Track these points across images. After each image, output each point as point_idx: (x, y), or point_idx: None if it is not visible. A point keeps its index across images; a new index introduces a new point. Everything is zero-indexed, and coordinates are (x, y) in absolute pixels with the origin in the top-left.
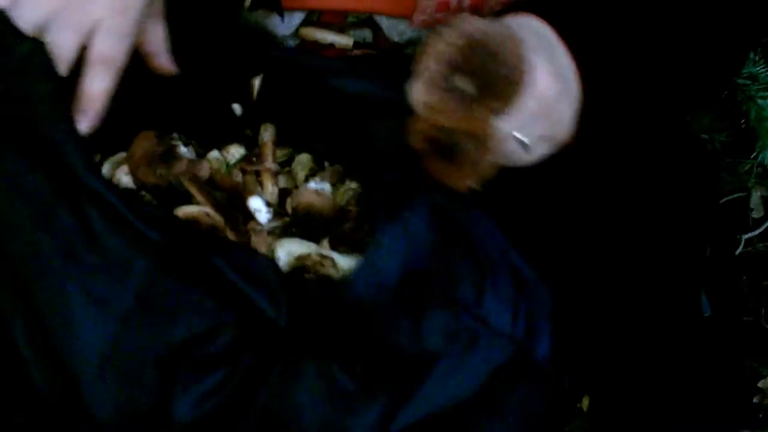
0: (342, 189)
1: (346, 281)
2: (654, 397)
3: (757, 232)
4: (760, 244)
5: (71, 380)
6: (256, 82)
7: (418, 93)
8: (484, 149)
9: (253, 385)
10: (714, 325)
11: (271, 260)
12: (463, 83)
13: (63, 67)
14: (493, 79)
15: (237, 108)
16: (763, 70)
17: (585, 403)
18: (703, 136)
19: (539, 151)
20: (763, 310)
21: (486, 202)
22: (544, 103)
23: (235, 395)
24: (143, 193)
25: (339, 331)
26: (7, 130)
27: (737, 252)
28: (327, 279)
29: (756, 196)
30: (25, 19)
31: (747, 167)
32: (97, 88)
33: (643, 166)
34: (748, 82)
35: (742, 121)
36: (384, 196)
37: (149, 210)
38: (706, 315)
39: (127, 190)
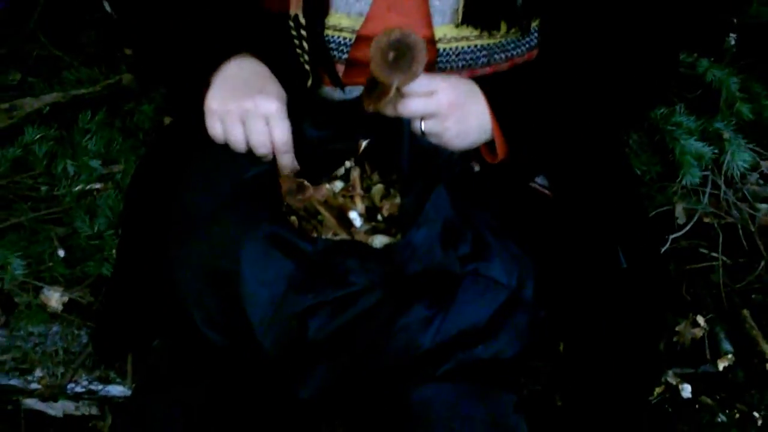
0: None
1: (412, 232)
2: (592, 331)
3: (681, 233)
4: (683, 242)
5: (248, 330)
6: (363, 143)
7: (371, 49)
8: (386, 93)
9: (369, 317)
10: (635, 278)
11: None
12: (390, 53)
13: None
14: (405, 59)
15: (348, 163)
16: (684, 119)
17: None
18: (643, 167)
19: (433, 140)
20: (684, 285)
21: (493, 208)
22: (441, 108)
23: (353, 322)
24: (292, 218)
25: (417, 276)
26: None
27: (665, 248)
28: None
29: (680, 208)
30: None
31: (674, 188)
32: (287, 163)
33: (588, 186)
34: (674, 128)
35: (670, 155)
36: (420, 190)
37: (300, 233)
38: (624, 267)
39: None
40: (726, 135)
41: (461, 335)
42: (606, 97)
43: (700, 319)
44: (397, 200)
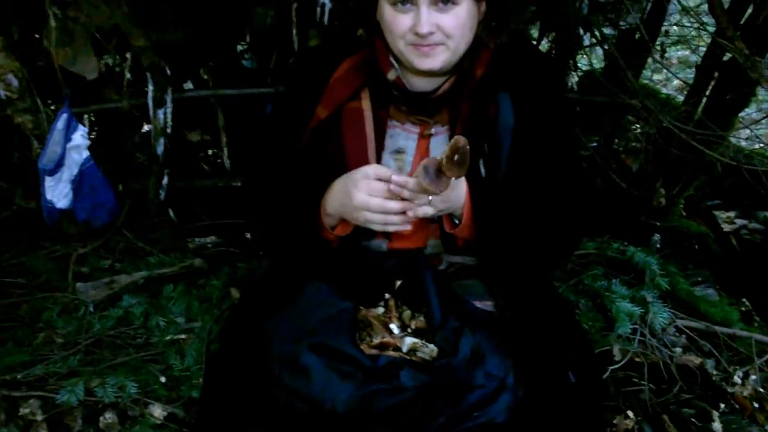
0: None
1: (451, 360)
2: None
3: (617, 365)
4: (620, 373)
5: (331, 403)
6: (398, 283)
7: (447, 151)
8: (448, 183)
9: (413, 401)
10: (585, 388)
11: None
12: (456, 156)
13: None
14: (463, 160)
15: (387, 295)
16: (619, 288)
17: None
18: (589, 322)
19: (430, 210)
20: (620, 400)
21: (492, 330)
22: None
23: (402, 403)
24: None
25: (445, 388)
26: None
27: (606, 375)
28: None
29: (616, 348)
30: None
31: (612, 336)
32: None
33: (547, 332)
34: (611, 293)
35: (609, 313)
36: (451, 330)
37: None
38: (573, 381)
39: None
40: (649, 299)
41: (469, 409)
42: (540, 232)
43: (630, 413)
44: (422, 319)
